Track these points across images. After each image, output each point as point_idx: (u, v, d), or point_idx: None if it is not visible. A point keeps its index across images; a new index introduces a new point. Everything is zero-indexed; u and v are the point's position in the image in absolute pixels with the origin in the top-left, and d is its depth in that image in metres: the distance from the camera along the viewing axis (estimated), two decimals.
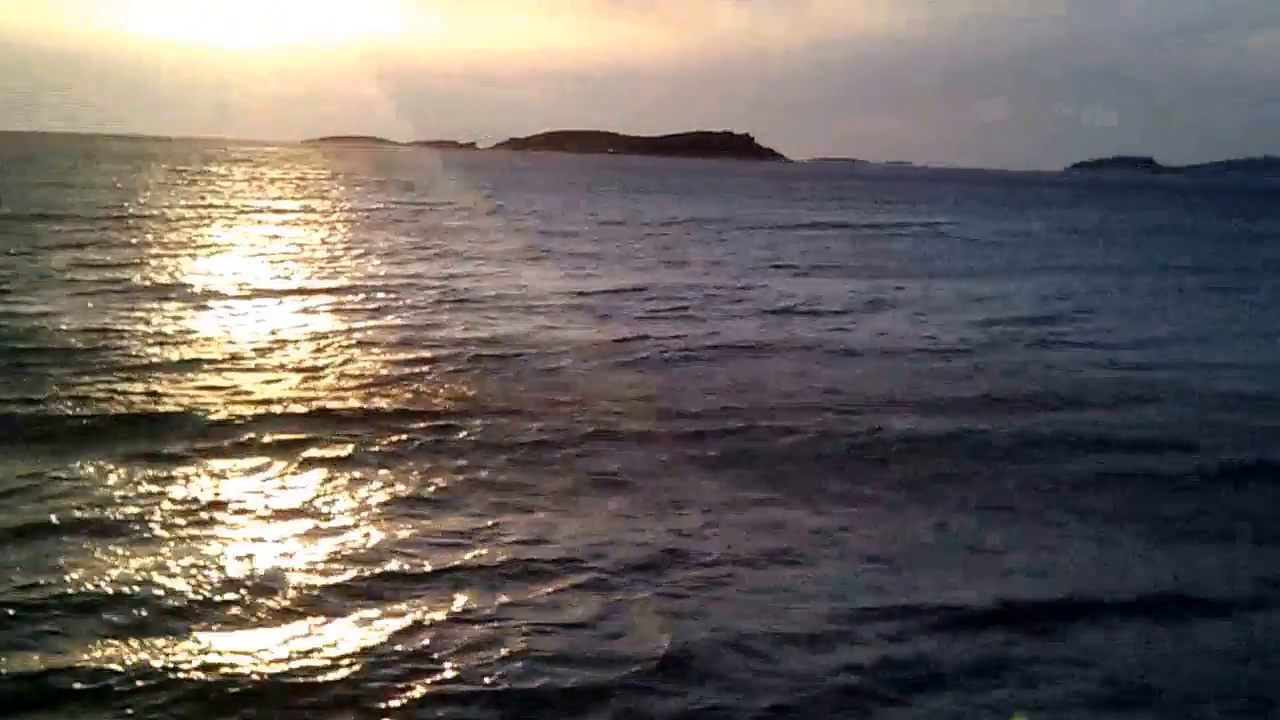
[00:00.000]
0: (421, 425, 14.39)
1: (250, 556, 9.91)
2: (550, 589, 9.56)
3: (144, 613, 8.74)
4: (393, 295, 26.75)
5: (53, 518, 10.60)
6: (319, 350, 19.42)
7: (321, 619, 8.78)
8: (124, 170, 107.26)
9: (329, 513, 11.13)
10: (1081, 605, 9.66)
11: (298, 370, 17.71)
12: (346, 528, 10.74)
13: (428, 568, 9.82)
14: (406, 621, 8.76)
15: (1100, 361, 21.51)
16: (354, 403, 15.57)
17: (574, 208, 70.95)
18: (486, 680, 7.94)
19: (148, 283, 27.65)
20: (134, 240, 38.84)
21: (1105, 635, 9.22)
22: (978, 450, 14.40)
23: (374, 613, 8.91)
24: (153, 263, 32.23)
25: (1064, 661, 8.68)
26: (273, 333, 21.16)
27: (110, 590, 9.07)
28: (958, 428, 15.34)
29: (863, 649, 8.70)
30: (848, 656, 8.57)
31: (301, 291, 27.28)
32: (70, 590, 9.04)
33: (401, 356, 18.98)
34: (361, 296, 26.49)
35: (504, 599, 9.26)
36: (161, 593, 9.08)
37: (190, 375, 16.96)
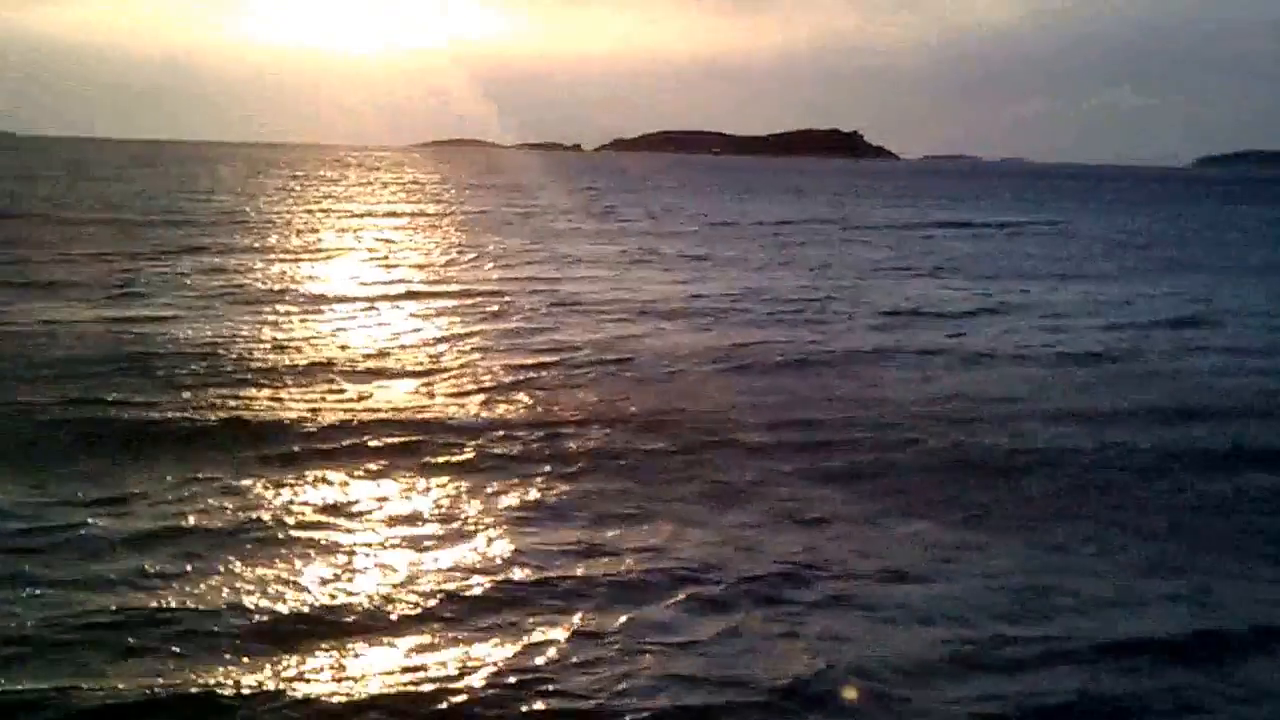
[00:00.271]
0: (537, 433, 14.19)
1: (369, 568, 9.82)
2: (669, 605, 9.28)
3: (264, 622, 8.67)
4: (506, 300, 26.71)
5: (175, 524, 10.64)
6: (435, 356, 19.38)
7: (439, 631, 8.63)
8: (242, 175, 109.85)
9: (446, 523, 10.98)
10: (1246, 636, 9.02)
11: (414, 376, 17.68)
12: (463, 538, 10.58)
13: (546, 581, 9.61)
14: (524, 636, 8.56)
15: (1248, 369, 20.50)
16: (470, 410, 15.46)
17: (683, 209, 70.67)
18: (604, 699, 7.72)
19: (268, 287, 28.07)
20: (254, 244, 39.58)
21: (1275, 671, 8.58)
22: (1119, 464, 13.67)
23: (492, 627, 8.72)
24: (272, 267, 32.77)
25: (1229, 699, 8.09)
26: (390, 338, 21.23)
27: (232, 599, 9.03)
28: (1096, 440, 14.62)
29: (999, 680, 8.23)
30: (983, 687, 8.11)
31: (417, 295, 27.39)
32: (192, 599, 9.02)
33: (516, 362, 18.85)
34: (475, 301, 26.49)
35: (623, 615, 9.00)
36: (281, 603, 9.02)
37: (308, 381, 17.02)
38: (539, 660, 8.17)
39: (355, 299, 26.52)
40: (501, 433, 14.17)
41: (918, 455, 13.85)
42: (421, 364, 18.60)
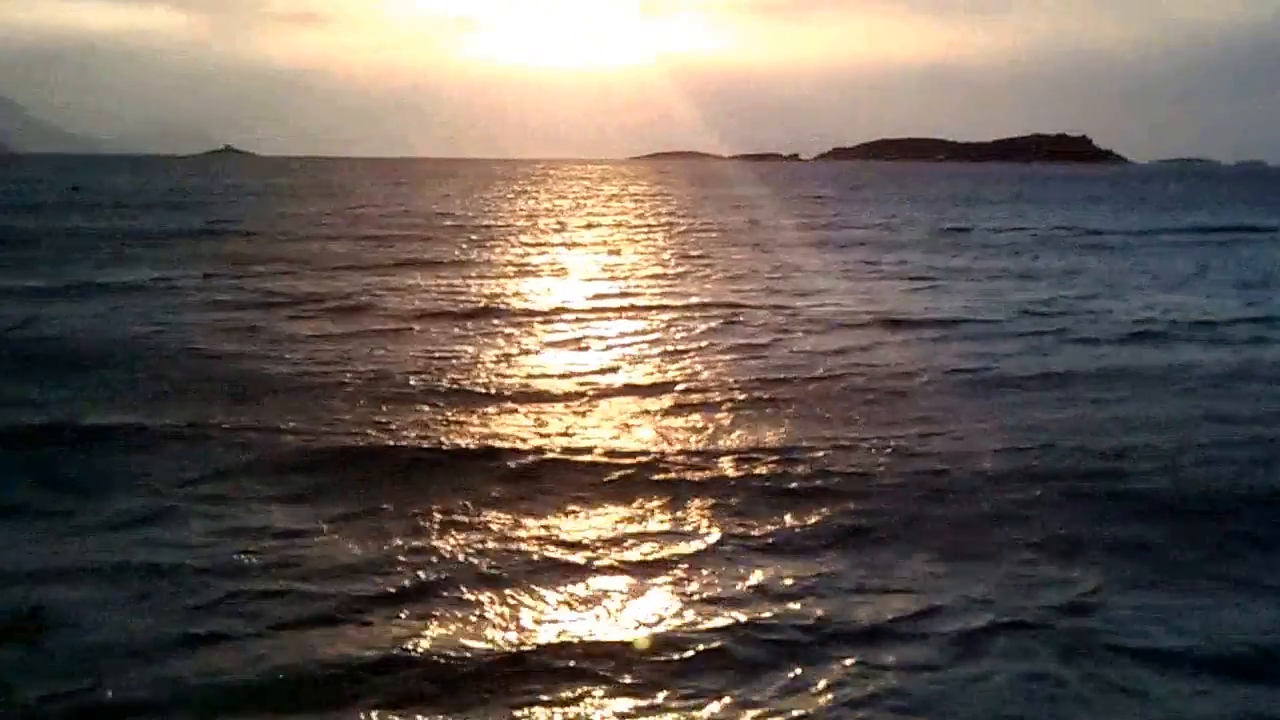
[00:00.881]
0: (777, 457, 13.50)
1: (608, 604, 9.32)
2: (934, 646, 8.57)
3: (502, 660, 8.31)
4: (736, 313, 26.16)
5: (406, 549, 10.45)
6: (666, 372, 18.94)
7: (684, 674, 8.12)
8: (474, 189, 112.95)
9: (688, 554, 10.40)
10: None
11: (647, 393, 17.29)
12: (706, 571, 9.96)
13: (798, 618, 8.98)
14: (779, 679, 8.02)
15: None
16: (706, 432, 14.93)
17: (911, 217, 68.88)
18: None
19: (501, 301, 28.38)
20: (486, 258, 40.32)
21: None
22: None
23: (744, 668, 8.20)
24: (506, 281, 33.20)
25: None
26: (621, 353, 20.99)
27: (471, 633, 8.72)
28: None
29: None
30: None
31: (647, 309, 27.18)
32: (430, 631, 8.75)
33: (748, 379, 18.24)
34: (704, 314, 26.04)
35: (885, 656, 8.38)
36: (519, 639, 8.64)
37: (539, 399, 16.84)
38: (800, 708, 7.63)
39: (585, 312, 26.50)
40: (739, 456, 13.58)
41: (1196, 485, 12.58)
42: (654, 380, 18.20)
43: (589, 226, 60.51)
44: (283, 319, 24.32)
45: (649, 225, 61.84)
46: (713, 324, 24.47)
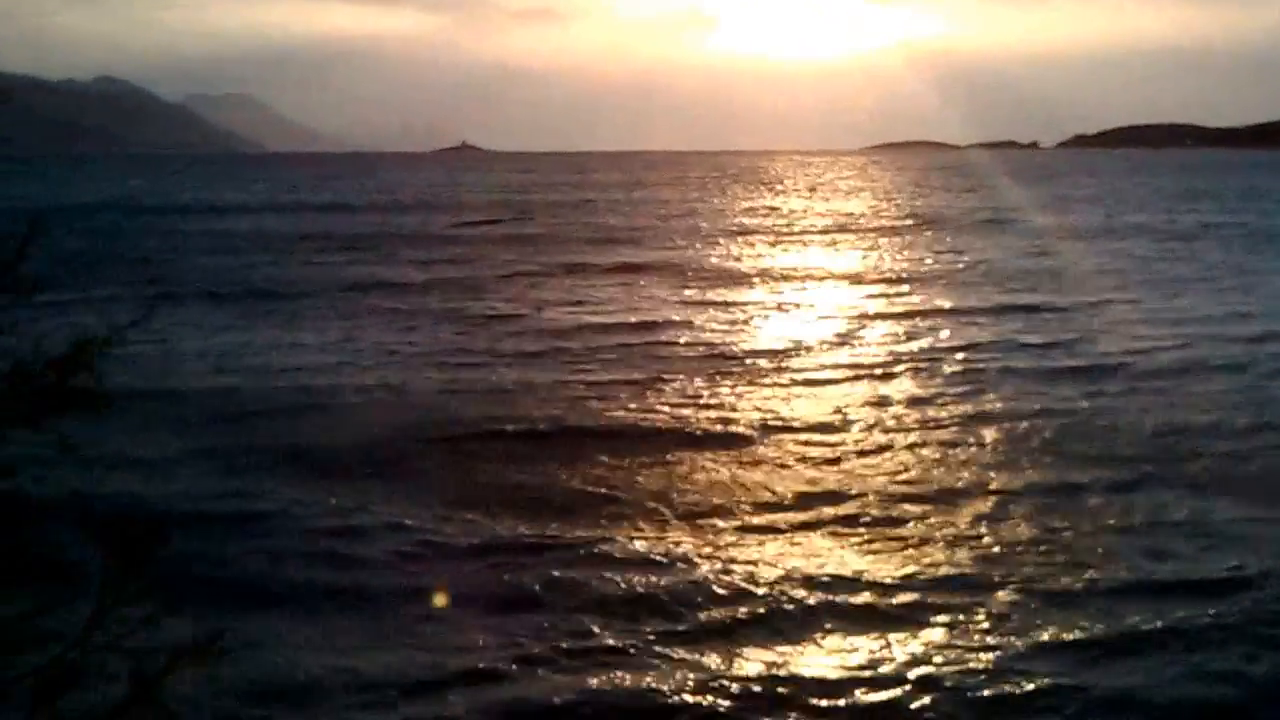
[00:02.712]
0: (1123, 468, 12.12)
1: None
2: None
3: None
4: (1032, 321, 24.57)
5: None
6: (978, 401, 17.26)
7: None
8: (716, 183, 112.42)
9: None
10: None
11: (932, 425, 15.96)
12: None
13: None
14: None
15: None
16: (1032, 458, 13.63)
17: (1195, 213, 63.69)
18: None
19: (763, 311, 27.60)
20: (742, 258, 39.51)
21: None
22: None
23: None
24: (779, 286, 32.16)
25: None
26: (923, 368, 19.61)
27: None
28: None
29: None
30: None
31: (918, 314, 25.83)
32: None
33: (1057, 405, 16.66)
34: (994, 320, 24.45)
35: None
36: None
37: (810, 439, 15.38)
38: None
39: (860, 317, 25.49)
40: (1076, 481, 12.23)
41: None
42: (961, 414, 16.58)
43: (833, 230, 58.48)
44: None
45: (895, 221, 59.49)
46: (1006, 331, 22.87)
